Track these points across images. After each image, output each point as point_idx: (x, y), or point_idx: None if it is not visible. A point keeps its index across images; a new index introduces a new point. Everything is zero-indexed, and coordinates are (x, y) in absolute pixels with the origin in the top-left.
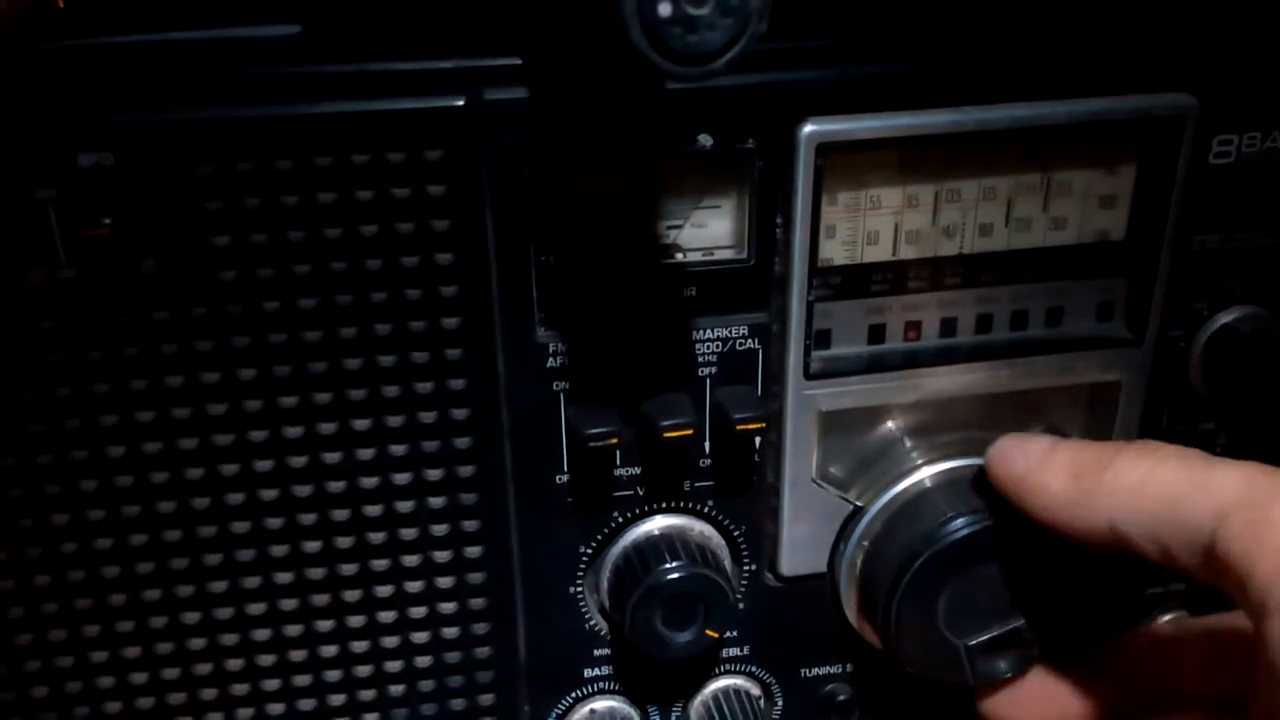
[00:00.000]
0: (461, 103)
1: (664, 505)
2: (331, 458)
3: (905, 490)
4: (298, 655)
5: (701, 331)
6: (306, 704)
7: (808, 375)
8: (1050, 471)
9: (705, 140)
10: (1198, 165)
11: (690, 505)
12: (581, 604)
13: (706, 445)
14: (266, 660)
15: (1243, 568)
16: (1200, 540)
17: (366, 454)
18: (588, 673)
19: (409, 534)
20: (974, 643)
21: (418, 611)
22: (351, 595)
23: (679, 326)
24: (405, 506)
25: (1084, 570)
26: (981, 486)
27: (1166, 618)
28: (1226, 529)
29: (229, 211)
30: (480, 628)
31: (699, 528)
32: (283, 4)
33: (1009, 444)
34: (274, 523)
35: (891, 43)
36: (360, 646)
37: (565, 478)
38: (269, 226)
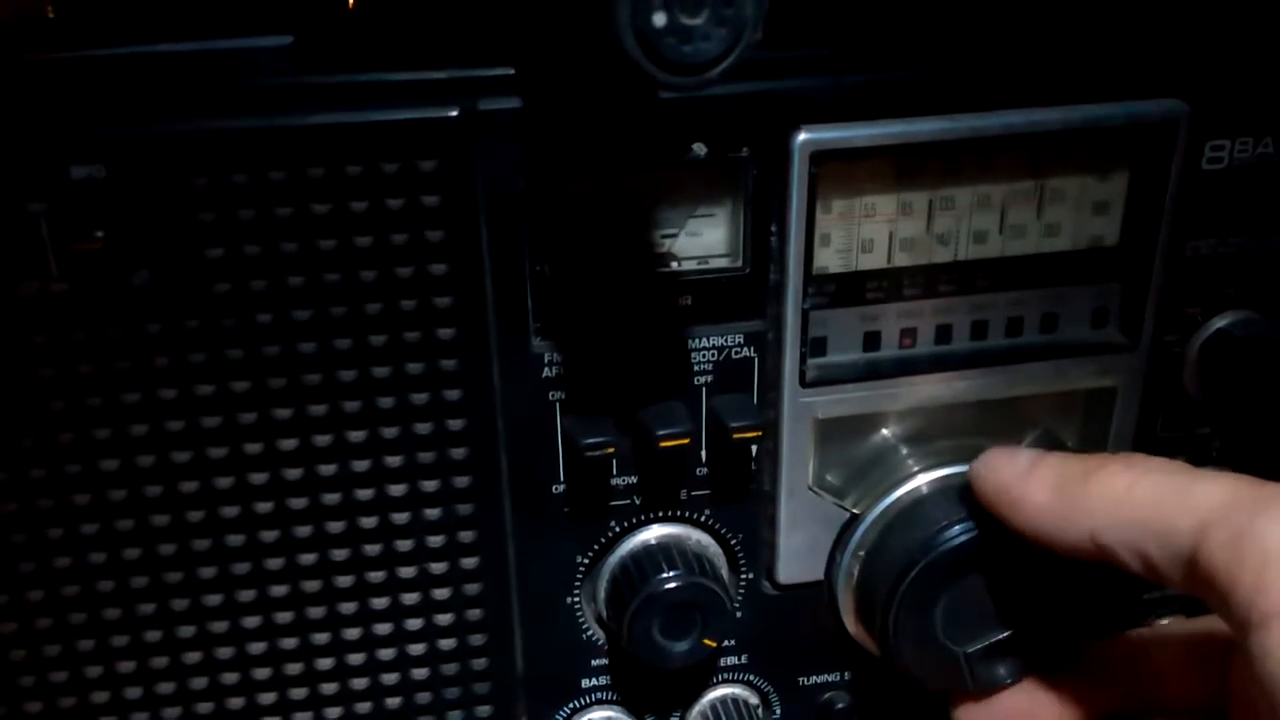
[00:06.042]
0: (455, 113)
1: (661, 514)
2: (327, 470)
3: (902, 497)
4: (293, 668)
5: (697, 340)
6: (302, 717)
7: (803, 383)
8: (1034, 483)
9: (700, 149)
10: (1190, 171)
11: (687, 514)
12: (578, 614)
13: (703, 454)
14: (262, 674)
15: (1225, 581)
16: (1183, 553)
17: (362, 465)
18: (585, 683)
19: (405, 545)
20: (973, 650)
21: (414, 623)
22: (347, 607)
23: (674, 335)
24: (401, 518)
25: (1080, 576)
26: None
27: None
28: (1209, 542)
29: (222, 223)
30: (477, 639)
31: (696, 536)
32: (275, 15)
33: (994, 457)
34: (269, 535)
35: (885, 51)
36: (356, 659)
37: (561, 488)
38: (262, 238)
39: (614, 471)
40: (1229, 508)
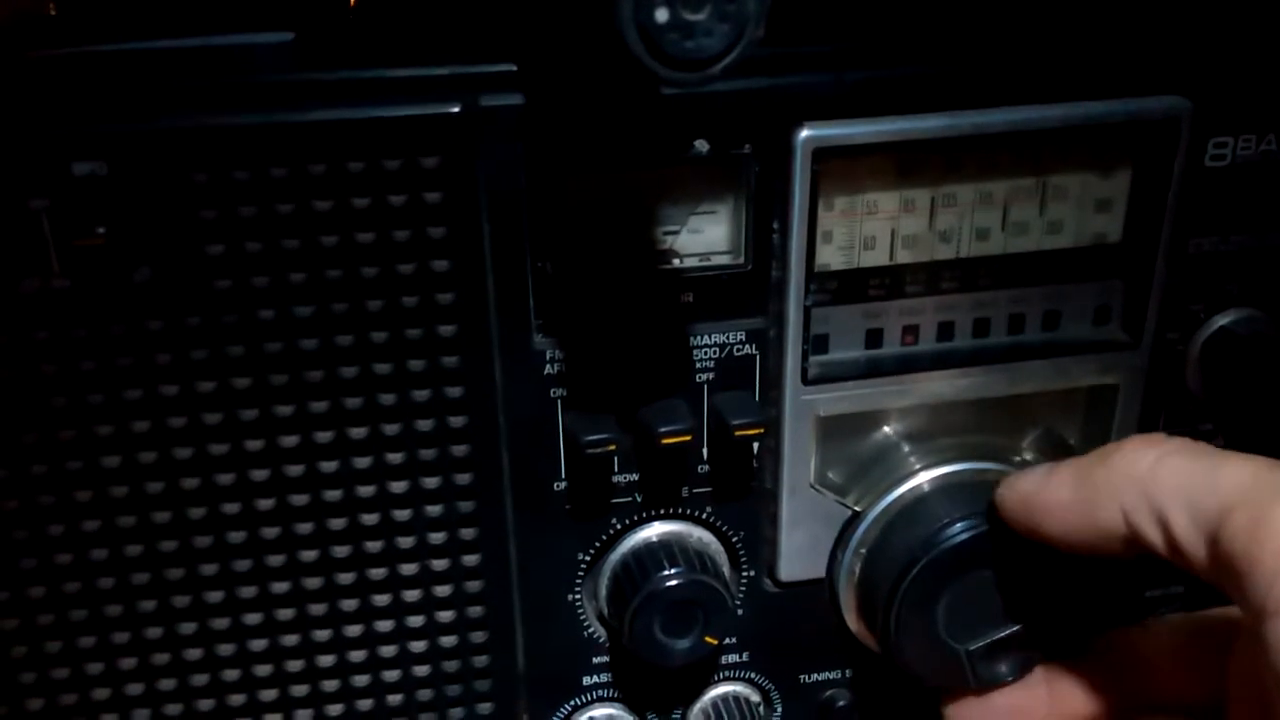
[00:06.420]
0: (457, 109)
1: (662, 512)
2: (328, 466)
3: (903, 495)
4: (294, 665)
5: (699, 337)
6: (304, 715)
7: (805, 380)
8: (1056, 483)
9: (702, 146)
10: (1193, 168)
11: (688, 511)
12: (580, 611)
13: (705, 451)
14: (263, 670)
15: (1243, 565)
16: (1207, 533)
17: (363, 462)
18: (586, 680)
19: (406, 542)
20: (975, 647)
21: (415, 620)
22: (348, 604)
23: (676, 332)
24: (402, 515)
25: (1082, 573)
26: (981, 493)
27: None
28: (1229, 525)
29: (224, 220)
30: (478, 636)
31: (697, 534)
32: (276, 11)
33: (1013, 477)
34: (270, 531)
35: (887, 48)
36: (358, 656)
37: (563, 485)
38: (264, 235)
39: (615, 469)
40: (1252, 492)
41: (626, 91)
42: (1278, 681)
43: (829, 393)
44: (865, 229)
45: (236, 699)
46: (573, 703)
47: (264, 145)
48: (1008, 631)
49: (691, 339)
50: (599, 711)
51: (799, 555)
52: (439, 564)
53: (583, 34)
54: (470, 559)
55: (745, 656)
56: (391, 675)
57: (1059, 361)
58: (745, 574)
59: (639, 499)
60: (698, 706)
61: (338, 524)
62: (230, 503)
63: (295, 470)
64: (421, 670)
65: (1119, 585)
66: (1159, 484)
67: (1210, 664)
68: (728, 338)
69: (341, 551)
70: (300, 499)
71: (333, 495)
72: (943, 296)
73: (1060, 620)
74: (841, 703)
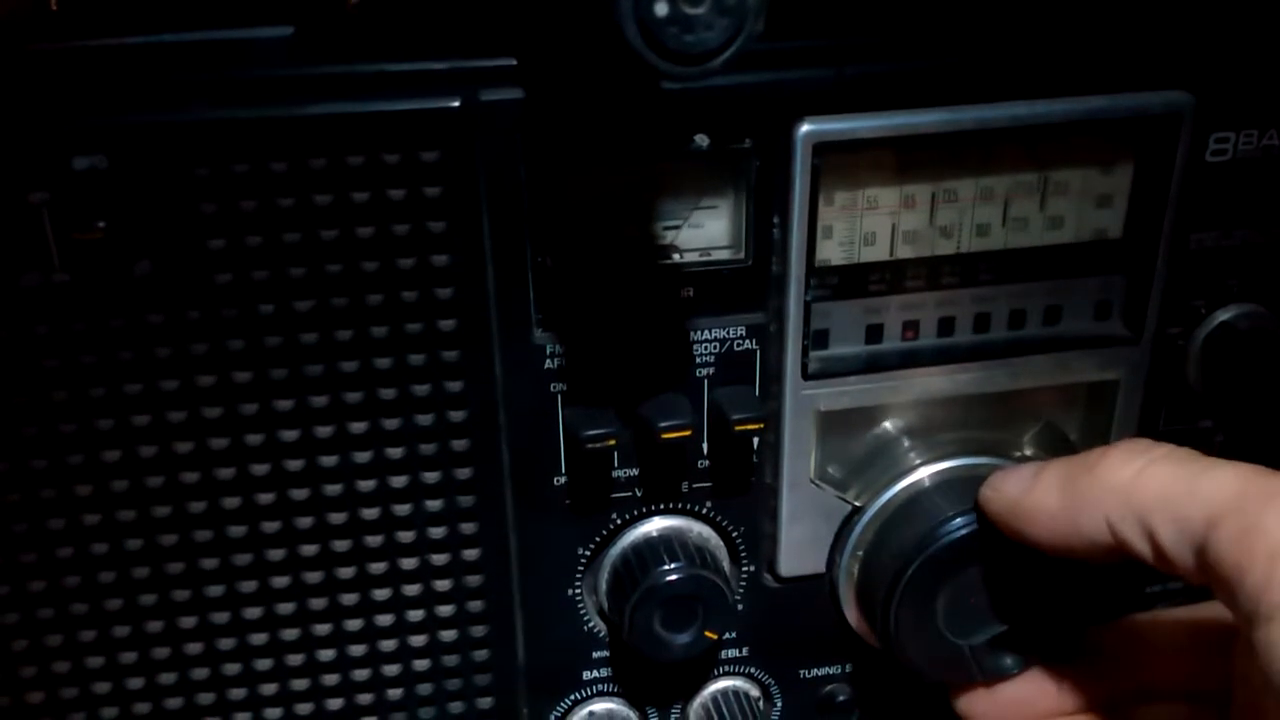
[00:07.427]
0: (457, 104)
1: (662, 506)
2: (328, 461)
3: (903, 490)
4: (295, 659)
5: (699, 332)
6: (304, 708)
7: (806, 375)
8: (1041, 490)
9: (702, 140)
10: (1194, 163)
11: (689, 506)
12: (580, 606)
13: (705, 446)
14: (264, 664)
15: (1233, 574)
16: (1193, 543)
17: (363, 457)
18: (586, 675)
19: (406, 537)
20: (977, 642)
21: (415, 614)
22: (349, 598)
23: (676, 327)
24: (403, 509)
25: (1081, 568)
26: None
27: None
28: (1218, 534)
29: (224, 214)
30: (478, 630)
31: (697, 529)
32: (276, 5)
33: (998, 478)
34: (270, 526)
35: (888, 42)
36: (358, 650)
37: (563, 479)
38: (264, 229)
39: (615, 463)
40: (1239, 500)
41: (626, 86)
42: (1268, 686)
43: (829, 388)
44: (866, 224)
45: (237, 693)
46: (572, 697)
47: (264, 139)
48: (1009, 626)
49: (692, 334)
50: (599, 706)
51: (799, 550)
52: (439, 558)
53: (582, 28)
54: (470, 553)
55: (745, 651)
56: (392, 669)
57: (1060, 357)
58: (745, 569)
59: (639, 494)
60: (697, 701)
61: (338, 518)
62: (230, 497)
63: (295, 465)
64: (421, 664)
65: (1118, 580)
66: (1143, 494)
67: (1214, 656)
68: (728, 333)
69: (341, 546)
70: (300, 493)
71: (333, 490)
72: (943, 292)
73: (1061, 614)
74: (841, 698)
